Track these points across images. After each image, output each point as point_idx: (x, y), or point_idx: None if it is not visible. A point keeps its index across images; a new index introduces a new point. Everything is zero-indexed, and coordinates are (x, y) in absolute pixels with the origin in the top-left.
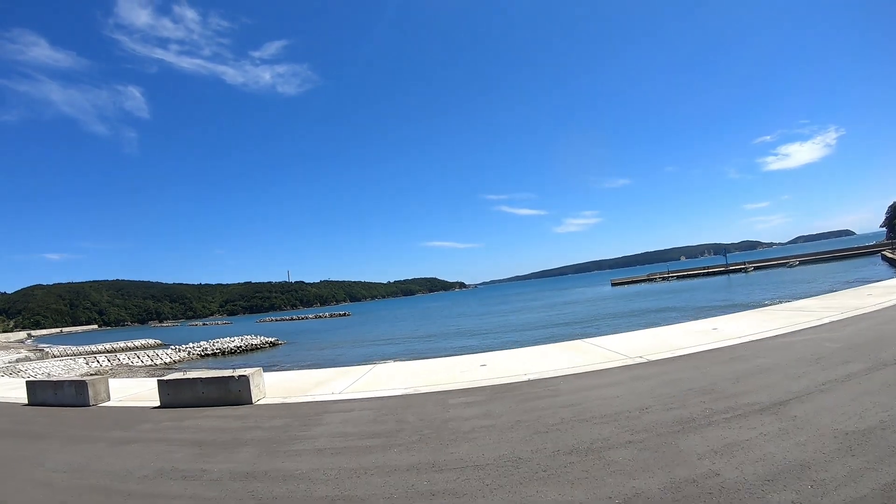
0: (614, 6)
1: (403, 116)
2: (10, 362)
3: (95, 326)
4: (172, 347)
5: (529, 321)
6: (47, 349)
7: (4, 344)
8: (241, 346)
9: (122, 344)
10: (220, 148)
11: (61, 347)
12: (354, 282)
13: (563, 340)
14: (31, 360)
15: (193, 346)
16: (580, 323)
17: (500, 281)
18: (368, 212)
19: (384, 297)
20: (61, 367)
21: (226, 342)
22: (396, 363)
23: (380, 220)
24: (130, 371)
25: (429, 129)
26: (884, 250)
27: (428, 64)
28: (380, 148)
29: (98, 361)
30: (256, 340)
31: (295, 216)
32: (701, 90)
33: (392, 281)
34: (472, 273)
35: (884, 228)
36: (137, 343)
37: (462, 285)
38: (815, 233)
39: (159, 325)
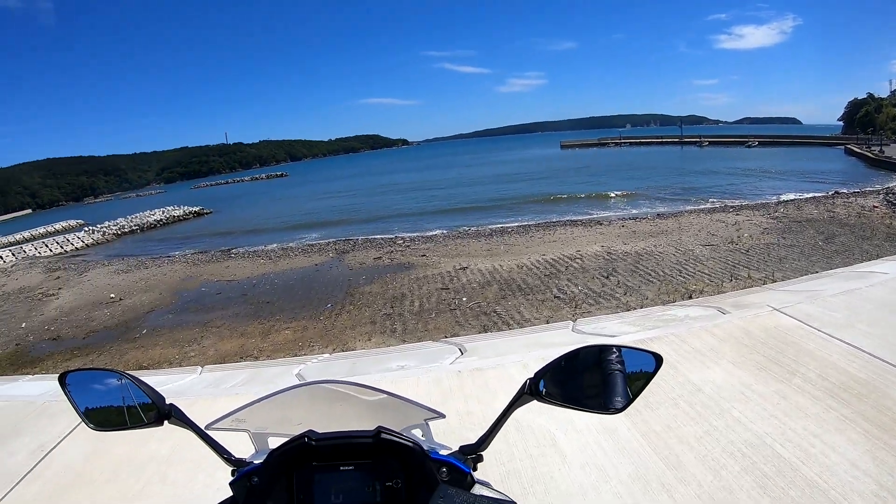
0: None
1: None
2: None
3: (29, 211)
4: (86, 229)
5: (490, 177)
6: None
7: None
8: (161, 220)
9: (41, 230)
10: (145, 4)
11: None
12: (295, 140)
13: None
14: None
15: (110, 225)
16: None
17: (443, 139)
18: (306, 66)
19: (325, 155)
20: None
21: (146, 216)
22: None
23: (318, 75)
24: (32, 264)
25: None
26: (848, 144)
27: None
28: None
29: (1, 258)
30: (178, 212)
31: (230, 72)
32: None
33: (334, 139)
34: (414, 131)
35: (840, 122)
36: (58, 226)
37: (405, 142)
38: (761, 116)
39: (94, 200)
